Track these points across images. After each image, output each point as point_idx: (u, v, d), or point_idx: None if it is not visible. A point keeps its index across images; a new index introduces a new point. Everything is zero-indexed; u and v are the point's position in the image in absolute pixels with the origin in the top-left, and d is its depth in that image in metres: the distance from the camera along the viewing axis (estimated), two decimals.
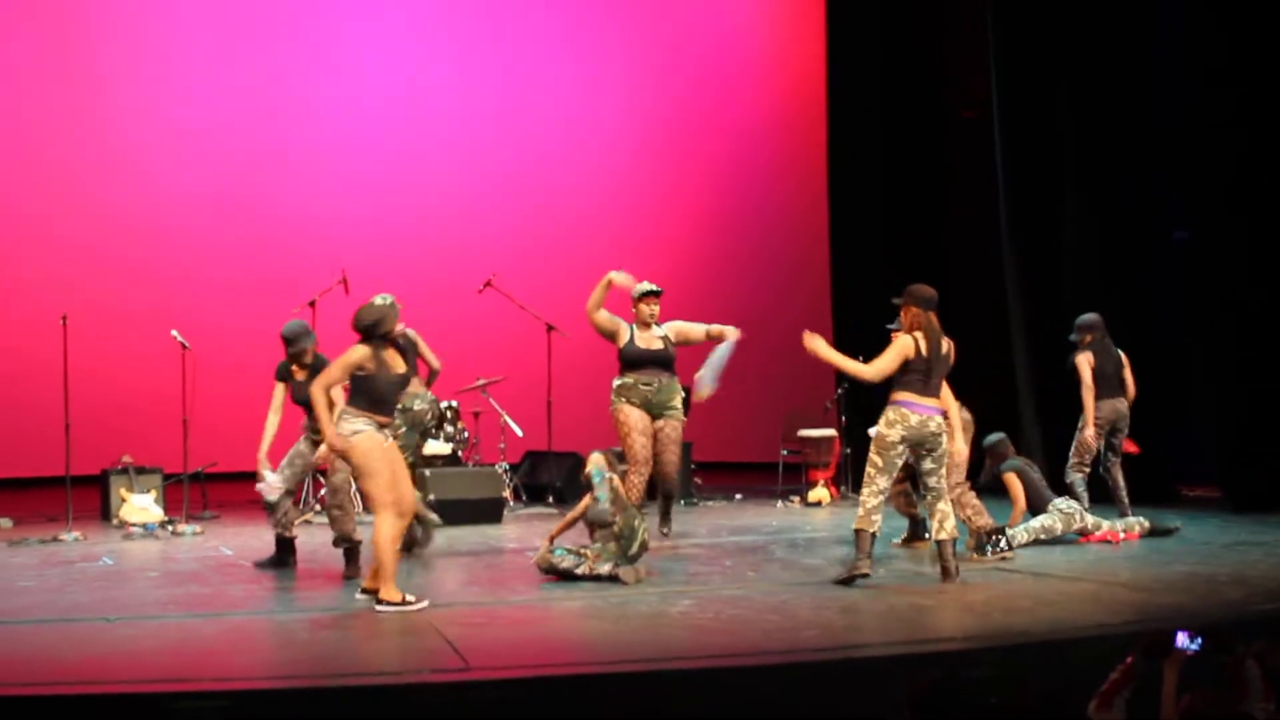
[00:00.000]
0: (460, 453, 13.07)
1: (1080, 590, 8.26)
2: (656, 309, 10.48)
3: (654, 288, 10.50)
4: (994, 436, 10.63)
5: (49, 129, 14.19)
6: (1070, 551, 9.77)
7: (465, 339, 14.76)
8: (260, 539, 10.73)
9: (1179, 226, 13.49)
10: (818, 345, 8.54)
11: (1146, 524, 10.34)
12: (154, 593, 8.55)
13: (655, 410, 10.32)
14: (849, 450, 13.83)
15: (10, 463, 13.46)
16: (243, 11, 15.05)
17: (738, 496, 14.18)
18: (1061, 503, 10.20)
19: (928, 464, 8.53)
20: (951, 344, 8.79)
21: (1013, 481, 10.28)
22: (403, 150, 15.55)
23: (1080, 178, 13.47)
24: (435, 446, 12.69)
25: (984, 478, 10.75)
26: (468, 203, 15.65)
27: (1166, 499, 12.54)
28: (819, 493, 13.47)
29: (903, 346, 8.52)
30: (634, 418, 10.25)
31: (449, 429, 13.19)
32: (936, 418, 8.53)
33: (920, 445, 8.49)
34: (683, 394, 10.61)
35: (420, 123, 15.68)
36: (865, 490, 8.43)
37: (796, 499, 13.54)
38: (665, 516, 10.81)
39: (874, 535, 8.43)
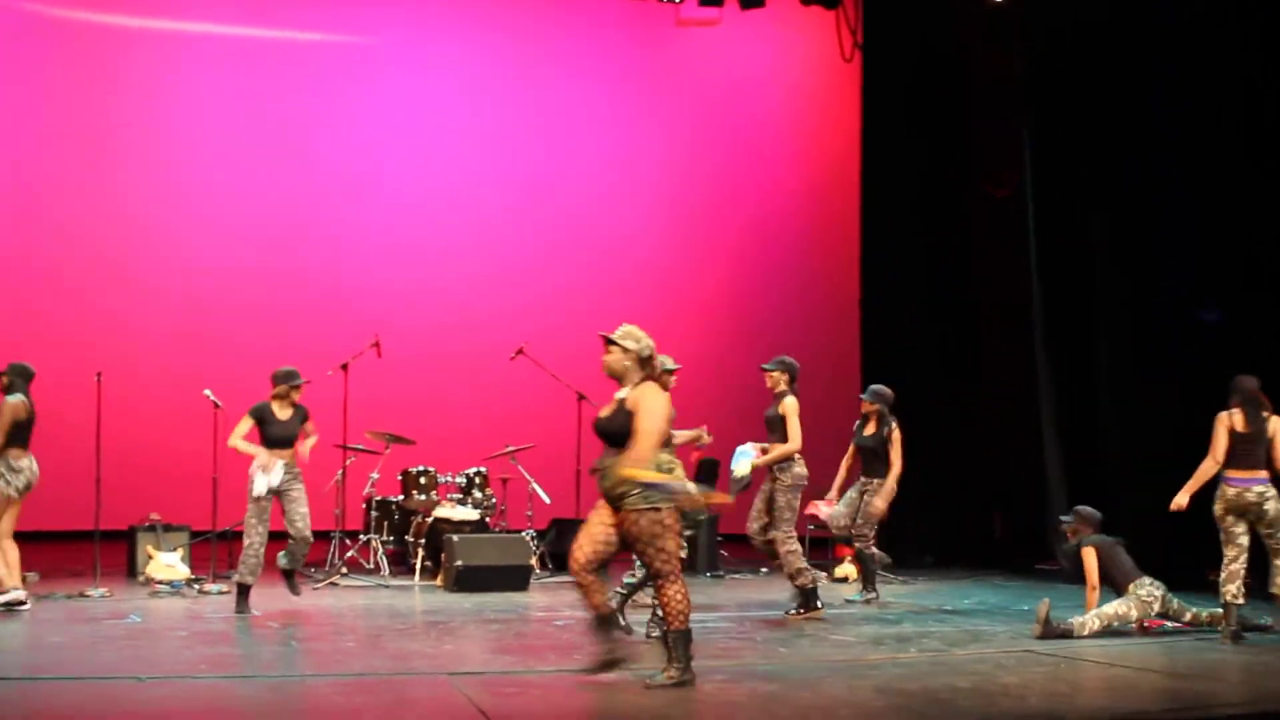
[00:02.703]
0: (487, 519, 13.03)
1: (1117, 676, 8.19)
2: (607, 358, 7.74)
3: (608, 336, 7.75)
4: (1081, 509, 10.39)
5: (85, 197, 14.50)
6: (1102, 634, 9.66)
7: (496, 405, 14.84)
8: (285, 600, 10.72)
9: (1209, 307, 13.46)
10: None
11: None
12: (184, 652, 8.52)
13: (611, 503, 7.52)
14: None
15: (39, 516, 13.42)
16: (273, 80, 15.25)
17: (764, 570, 14.10)
18: (1143, 588, 9.80)
19: (1262, 530, 9.39)
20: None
21: (1088, 556, 9.93)
22: (438, 217, 15.70)
23: (1112, 256, 13.48)
24: (463, 512, 12.67)
25: (1063, 560, 10.52)
26: (501, 269, 15.75)
27: (1196, 585, 12.43)
28: (845, 569, 13.40)
29: (1220, 425, 9.49)
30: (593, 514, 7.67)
31: (477, 494, 13.18)
32: (1256, 487, 9.34)
33: (1243, 514, 9.36)
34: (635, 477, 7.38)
35: (455, 191, 15.82)
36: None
37: (823, 575, 13.46)
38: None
39: (1233, 604, 9.37)
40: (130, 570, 12.38)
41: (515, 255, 15.92)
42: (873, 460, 11.60)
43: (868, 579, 11.70)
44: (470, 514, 12.73)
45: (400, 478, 13.29)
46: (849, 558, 13.45)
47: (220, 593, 11.41)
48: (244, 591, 10.32)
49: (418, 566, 12.57)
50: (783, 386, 10.70)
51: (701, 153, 16.81)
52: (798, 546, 10.59)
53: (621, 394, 7.62)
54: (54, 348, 13.96)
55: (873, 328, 16.34)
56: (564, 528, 13.83)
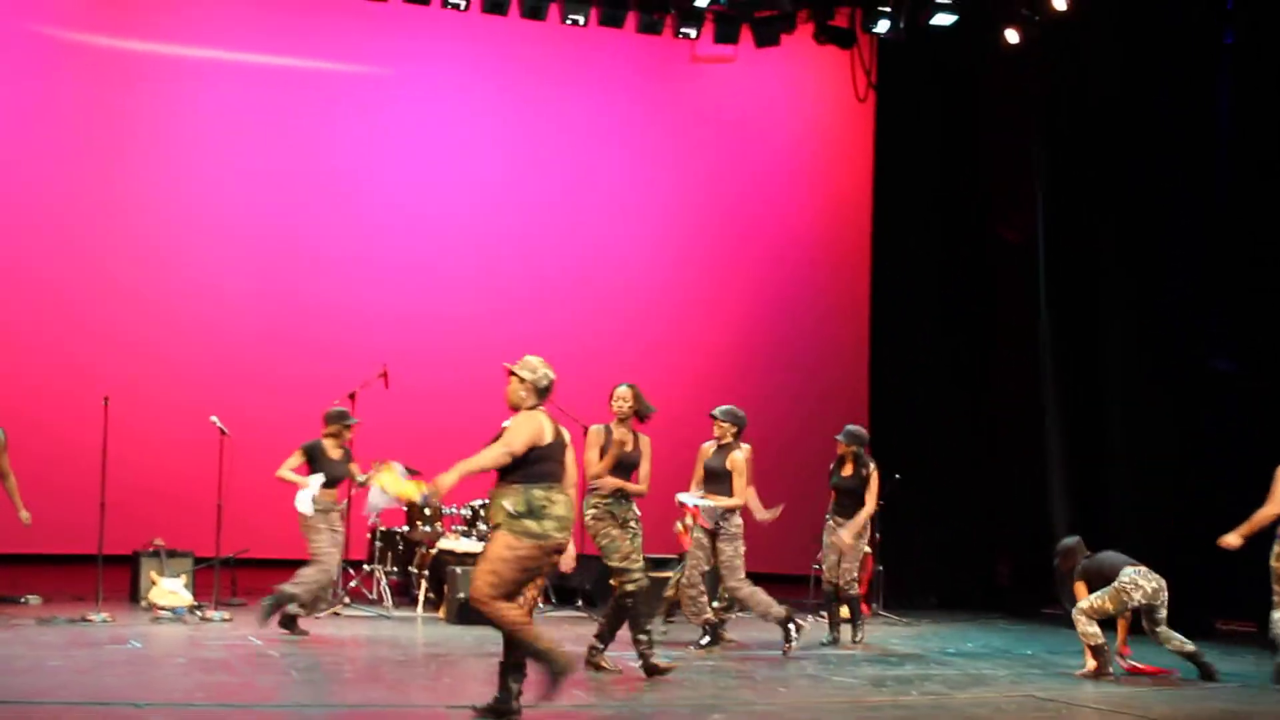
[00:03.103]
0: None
1: None
2: (507, 388, 7.84)
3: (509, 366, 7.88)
4: (1060, 548, 10.34)
5: (95, 221, 14.55)
6: (1103, 681, 9.62)
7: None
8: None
9: (1222, 357, 13.45)
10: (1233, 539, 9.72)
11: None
12: (182, 680, 8.51)
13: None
14: (881, 568, 13.71)
15: (43, 539, 13.47)
16: (286, 106, 15.29)
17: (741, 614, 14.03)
18: (1125, 576, 9.78)
19: None
20: None
21: (1079, 591, 9.94)
22: (448, 248, 15.70)
23: (1123, 302, 13.48)
24: (466, 545, 12.65)
25: (1067, 605, 10.32)
26: (511, 302, 15.74)
27: (1202, 633, 12.38)
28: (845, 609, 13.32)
29: None
30: None
31: (481, 527, 13.16)
32: None
33: None
34: (503, 506, 7.46)
35: (466, 223, 15.83)
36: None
37: (826, 615, 13.40)
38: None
39: None
40: (133, 595, 12.37)
41: (525, 288, 15.91)
42: (850, 502, 11.42)
43: (834, 620, 11.49)
44: (474, 546, 12.69)
45: (405, 508, 13.27)
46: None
47: (223, 620, 11.40)
48: (294, 616, 10.64)
49: (420, 598, 12.56)
50: (729, 438, 10.71)
51: (715, 189, 16.81)
52: (754, 586, 10.57)
53: (507, 422, 7.65)
54: (62, 371, 14.02)
55: (882, 365, 16.32)
56: None
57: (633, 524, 9.51)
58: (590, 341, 15.83)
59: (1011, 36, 14.68)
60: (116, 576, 12.33)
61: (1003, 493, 14.91)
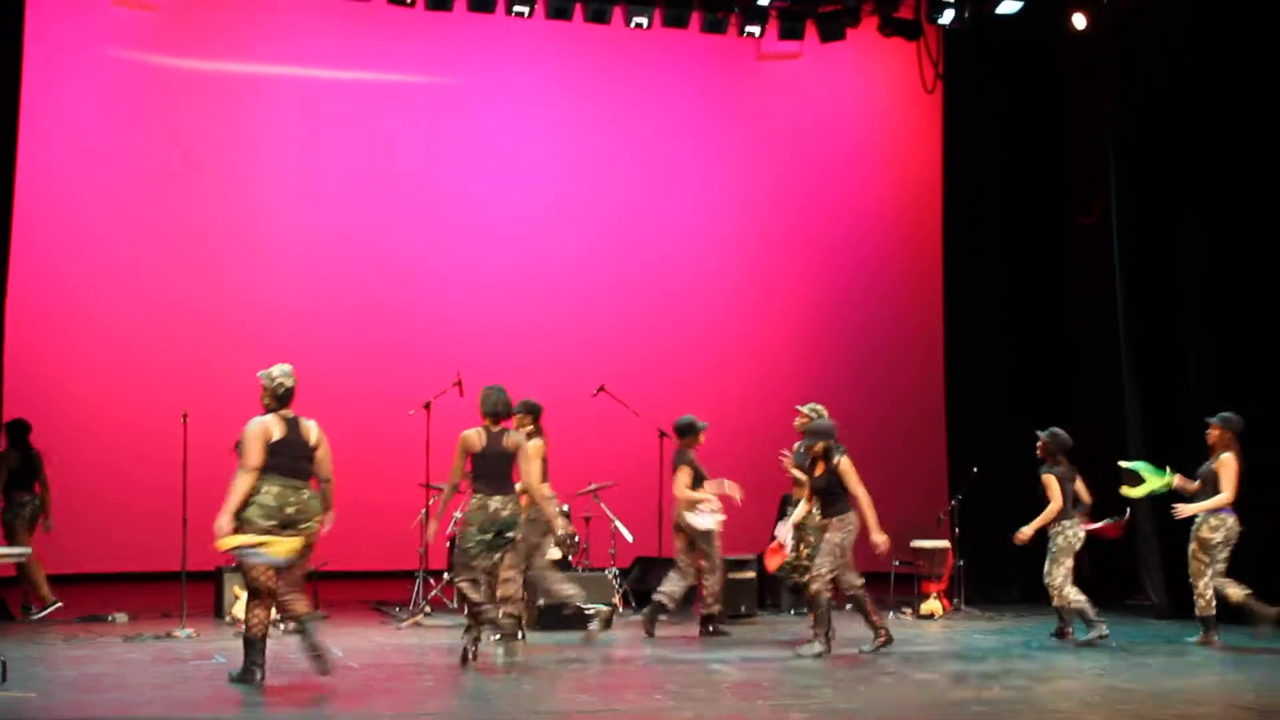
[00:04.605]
0: (570, 557, 13.02)
1: (1205, 715, 8.03)
2: None
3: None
4: (1057, 431, 11.37)
5: (171, 238, 14.77)
6: (1190, 670, 9.50)
7: (578, 443, 14.82)
8: (368, 639, 10.76)
9: None
10: None
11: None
12: (264, 692, 8.58)
13: None
14: (962, 562, 13.60)
15: (127, 557, 13.67)
16: (356, 125, 15.41)
17: (848, 607, 13.95)
18: (1059, 528, 11.04)
19: None
20: None
21: (1049, 484, 11.13)
22: (519, 255, 15.79)
23: (1202, 284, 13.26)
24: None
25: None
26: (583, 306, 15.79)
27: None
28: (931, 605, 13.24)
29: None
30: None
31: (559, 533, 13.16)
32: None
33: None
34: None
35: (535, 227, 15.91)
36: None
37: (908, 611, 13.33)
38: None
39: None
40: (217, 611, 12.49)
41: (596, 292, 15.96)
42: (829, 501, 10.55)
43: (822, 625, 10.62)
44: (553, 553, 12.71)
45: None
46: (935, 594, 13.31)
47: None
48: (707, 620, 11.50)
49: None
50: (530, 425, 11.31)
51: (785, 186, 16.77)
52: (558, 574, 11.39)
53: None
54: (142, 389, 14.20)
55: (958, 356, 16.14)
56: (647, 566, 13.80)
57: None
58: (659, 344, 15.84)
59: (1079, 21, 14.51)
60: (200, 593, 12.44)
61: (1083, 482, 14.71)
